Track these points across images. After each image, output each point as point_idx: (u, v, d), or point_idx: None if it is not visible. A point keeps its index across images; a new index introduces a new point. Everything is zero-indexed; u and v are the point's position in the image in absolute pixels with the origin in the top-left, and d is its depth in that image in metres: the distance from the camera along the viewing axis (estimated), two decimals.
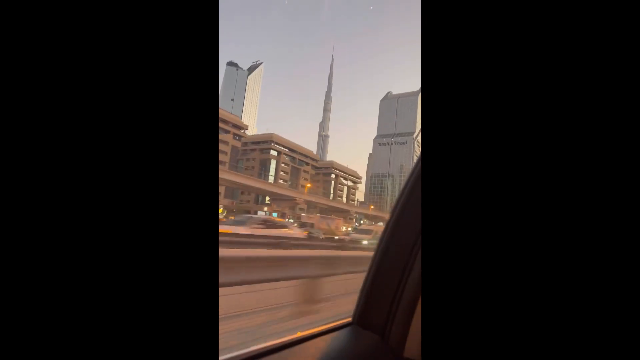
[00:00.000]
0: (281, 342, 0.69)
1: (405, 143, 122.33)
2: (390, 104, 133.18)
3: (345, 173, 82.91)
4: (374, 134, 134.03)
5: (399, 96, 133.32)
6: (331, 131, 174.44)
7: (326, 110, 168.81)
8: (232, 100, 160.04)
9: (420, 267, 0.76)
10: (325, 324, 0.82)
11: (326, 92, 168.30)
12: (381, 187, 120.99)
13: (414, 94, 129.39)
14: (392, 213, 0.83)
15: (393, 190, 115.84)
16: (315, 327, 0.79)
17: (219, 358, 0.51)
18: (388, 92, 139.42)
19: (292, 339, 0.72)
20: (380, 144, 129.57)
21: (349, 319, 0.85)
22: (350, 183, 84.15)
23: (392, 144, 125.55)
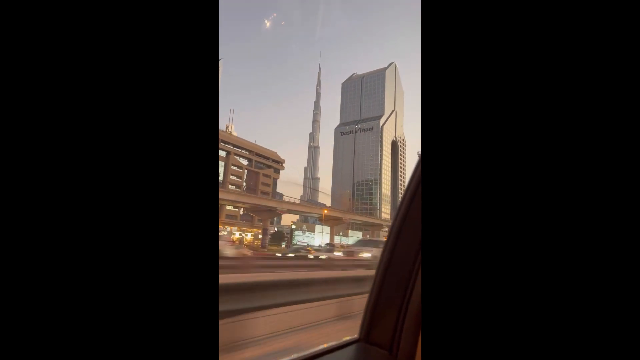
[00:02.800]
0: None
1: (371, 129, 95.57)
2: (353, 85, 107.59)
3: (250, 151, 53.63)
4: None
5: (364, 76, 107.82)
6: (321, 142, 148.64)
7: (315, 120, 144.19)
8: None
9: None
10: (331, 342, 0.79)
11: (314, 102, 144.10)
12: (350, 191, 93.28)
13: (381, 70, 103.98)
14: (392, 226, 0.80)
15: (369, 195, 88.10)
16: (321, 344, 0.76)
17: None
18: (352, 74, 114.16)
19: (298, 357, 0.70)
20: (342, 133, 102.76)
21: (356, 336, 0.83)
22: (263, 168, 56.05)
23: (356, 131, 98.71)
